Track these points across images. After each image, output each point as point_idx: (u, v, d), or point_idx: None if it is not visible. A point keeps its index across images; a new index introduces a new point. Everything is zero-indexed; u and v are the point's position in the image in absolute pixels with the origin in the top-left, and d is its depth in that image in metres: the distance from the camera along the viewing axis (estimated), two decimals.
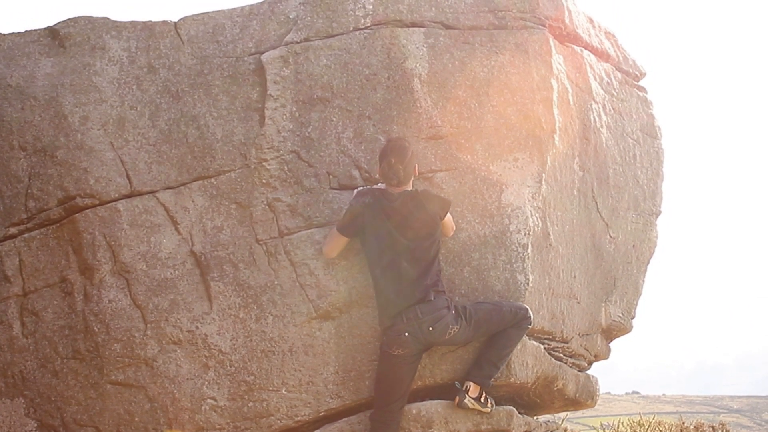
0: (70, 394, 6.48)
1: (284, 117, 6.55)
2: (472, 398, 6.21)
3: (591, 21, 7.64)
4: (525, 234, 6.44)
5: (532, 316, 6.28)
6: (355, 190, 6.31)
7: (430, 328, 6.03)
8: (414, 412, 6.23)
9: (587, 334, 7.34)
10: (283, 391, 6.33)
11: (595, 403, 7.81)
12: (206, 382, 6.35)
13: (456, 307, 6.14)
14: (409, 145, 6.16)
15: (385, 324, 6.12)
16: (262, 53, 6.68)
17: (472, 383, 6.23)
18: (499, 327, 6.20)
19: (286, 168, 6.49)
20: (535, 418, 7.27)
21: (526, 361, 6.52)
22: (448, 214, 6.23)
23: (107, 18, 6.93)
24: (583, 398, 7.48)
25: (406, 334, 6.01)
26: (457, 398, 6.21)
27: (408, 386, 6.19)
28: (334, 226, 6.25)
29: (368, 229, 6.11)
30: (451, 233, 6.37)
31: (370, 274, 6.21)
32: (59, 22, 6.94)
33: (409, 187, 6.18)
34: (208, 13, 6.92)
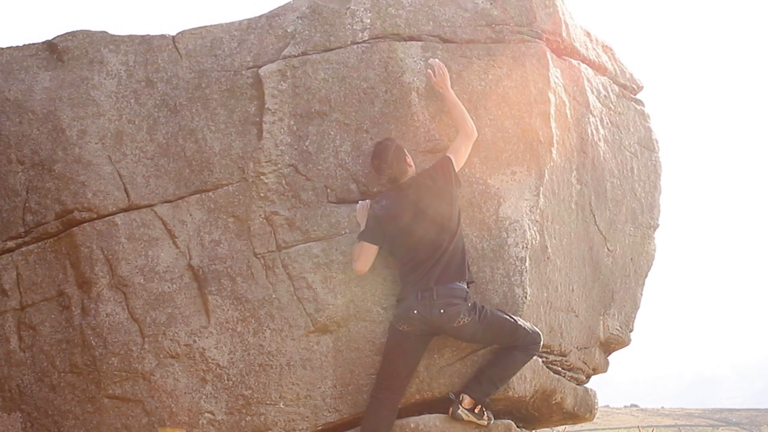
0: (67, 408, 6.46)
1: (282, 131, 6.56)
2: (465, 410, 6.19)
3: (588, 34, 7.65)
4: (523, 247, 6.45)
5: (542, 344, 6.29)
6: (366, 202, 6.35)
7: (441, 311, 6.03)
8: (412, 425, 6.22)
9: (585, 348, 7.33)
10: (281, 405, 6.32)
11: (594, 416, 7.79)
12: (204, 396, 6.34)
13: (475, 302, 6.14)
14: (390, 143, 6.26)
15: (399, 300, 6.16)
16: (260, 67, 6.69)
17: (467, 396, 6.22)
18: (508, 341, 6.19)
19: (283, 181, 6.50)
20: (533, 431, 7.26)
21: (525, 374, 6.50)
22: (453, 163, 6.23)
23: (105, 32, 6.94)
24: (582, 411, 7.46)
25: (415, 311, 6.03)
26: (451, 409, 6.20)
27: (410, 370, 6.19)
28: (357, 241, 6.25)
29: (392, 227, 6.14)
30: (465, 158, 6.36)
31: (398, 270, 6.24)
32: (57, 36, 6.95)
33: (413, 173, 6.27)
34: (206, 26, 6.92)
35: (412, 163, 6.31)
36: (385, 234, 6.19)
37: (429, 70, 6.52)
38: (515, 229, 6.47)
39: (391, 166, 6.20)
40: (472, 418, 6.22)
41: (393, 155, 6.20)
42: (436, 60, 6.55)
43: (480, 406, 6.25)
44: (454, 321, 6.06)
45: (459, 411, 6.18)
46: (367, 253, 6.23)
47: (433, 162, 6.38)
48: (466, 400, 6.21)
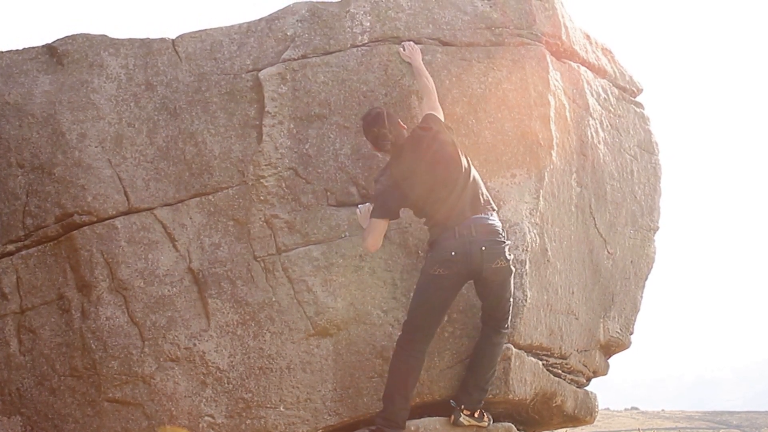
0: (67, 411, 6.46)
1: (282, 134, 6.56)
2: (466, 415, 6.19)
3: (588, 37, 7.66)
4: (523, 250, 6.45)
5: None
6: (367, 205, 6.32)
7: (483, 248, 5.89)
8: (412, 429, 6.20)
9: (586, 350, 7.33)
10: (281, 409, 6.32)
11: (594, 419, 7.79)
12: (204, 400, 6.34)
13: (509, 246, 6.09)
14: (380, 110, 6.27)
15: (434, 242, 6.02)
16: (260, 70, 6.69)
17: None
18: (505, 306, 6.11)
19: (283, 185, 6.50)
20: None
21: (525, 377, 6.51)
22: (438, 115, 6.28)
23: (105, 35, 6.94)
24: (582, 414, 7.46)
25: (453, 252, 5.89)
26: (452, 416, 6.18)
27: (440, 318, 6.09)
28: (372, 220, 6.11)
29: (410, 186, 6.07)
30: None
31: (427, 225, 6.17)
32: (57, 40, 6.95)
33: (407, 134, 6.27)
34: (205, 30, 6.93)
35: (404, 125, 6.32)
36: (405, 199, 6.09)
37: (400, 48, 6.60)
38: (515, 232, 6.47)
39: (391, 131, 6.17)
40: (474, 422, 6.22)
41: (389, 120, 6.18)
42: (411, 42, 6.62)
43: (479, 410, 6.25)
44: (493, 261, 5.92)
45: (461, 418, 6.17)
46: (380, 229, 6.09)
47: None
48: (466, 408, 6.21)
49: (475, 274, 6.00)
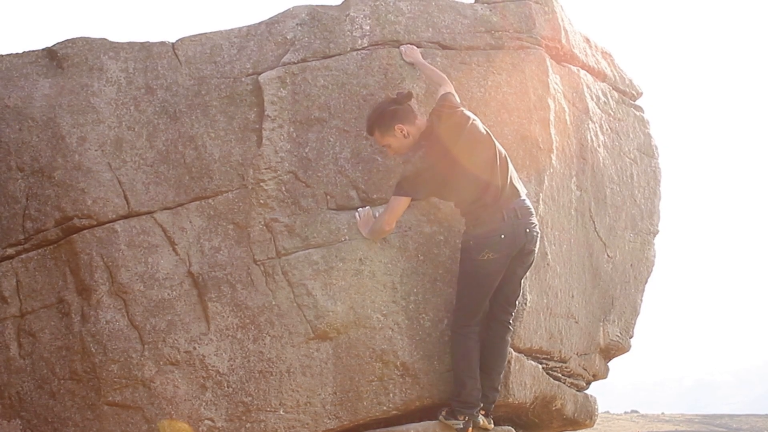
0: (67, 415, 6.45)
1: (282, 137, 6.56)
2: (483, 416, 6.26)
3: (587, 41, 7.66)
4: None
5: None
6: (367, 209, 6.40)
7: (527, 230, 6.05)
8: None
9: (585, 354, 7.34)
10: (281, 412, 6.31)
11: (594, 422, 7.79)
12: (204, 403, 6.33)
13: None
14: (383, 109, 6.28)
15: (478, 224, 6.07)
16: (260, 74, 6.69)
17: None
18: (517, 292, 6.28)
19: (283, 188, 6.50)
20: None
21: (525, 380, 6.51)
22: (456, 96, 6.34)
23: (105, 39, 6.94)
24: (582, 418, 7.47)
25: (503, 236, 5.99)
26: (440, 414, 6.23)
27: (489, 296, 6.18)
28: (394, 198, 6.17)
29: (446, 165, 6.10)
30: None
31: (462, 212, 6.22)
32: (57, 43, 6.95)
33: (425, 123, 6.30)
34: (205, 33, 6.93)
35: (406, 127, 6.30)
36: (442, 180, 6.13)
37: (401, 48, 6.65)
38: None
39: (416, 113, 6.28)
40: (486, 424, 6.28)
41: (410, 107, 6.28)
42: (410, 45, 6.65)
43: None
44: (534, 243, 6.13)
45: (479, 417, 6.23)
46: (401, 208, 6.17)
47: None
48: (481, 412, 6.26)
49: (520, 255, 6.13)
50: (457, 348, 6.21)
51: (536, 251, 6.24)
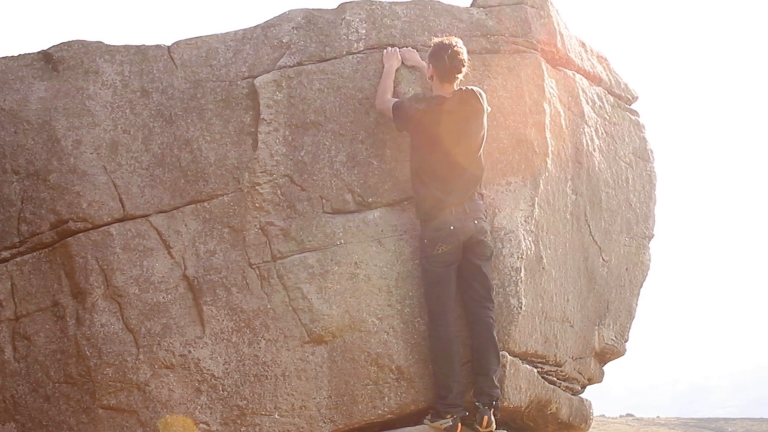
0: (61, 418, 6.44)
1: (277, 141, 6.56)
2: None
3: (583, 45, 7.67)
4: (518, 258, 6.45)
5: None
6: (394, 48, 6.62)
7: (475, 222, 6.23)
8: None
9: (580, 358, 7.33)
10: (276, 416, 6.30)
11: (589, 426, 7.78)
12: (199, 407, 6.32)
13: None
14: (446, 45, 6.37)
15: (429, 219, 6.25)
16: (255, 77, 6.69)
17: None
18: (489, 283, 6.32)
19: (279, 192, 6.49)
20: None
21: (520, 384, 6.50)
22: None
23: (101, 42, 6.93)
24: (577, 422, 7.46)
25: (452, 227, 6.17)
26: (486, 418, 6.19)
27: (453, 291, 6.28)
28: (394, 101, 6.42)
29: (419, 132, 6.28)
30: None
31: (412, 174, 6.34)
32: (53, 46, 6.94)
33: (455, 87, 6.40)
34: (201, 37, 6.92)
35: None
36: (406, 127, 6.35)
37: (402, 51, 6.71)
38: (510, 240, 6.48)
39: (460, 66, 6.35)
40: (490, 424, 6.25)
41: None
42: (408, 48, 6.73)
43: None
44: (483, 234, 6.27)
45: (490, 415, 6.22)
46: (387, 108, 6.44)
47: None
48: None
49: (468, 244, 6.25)
50: (435, 350, 6.25)
51: (487, 241, 6.31)
